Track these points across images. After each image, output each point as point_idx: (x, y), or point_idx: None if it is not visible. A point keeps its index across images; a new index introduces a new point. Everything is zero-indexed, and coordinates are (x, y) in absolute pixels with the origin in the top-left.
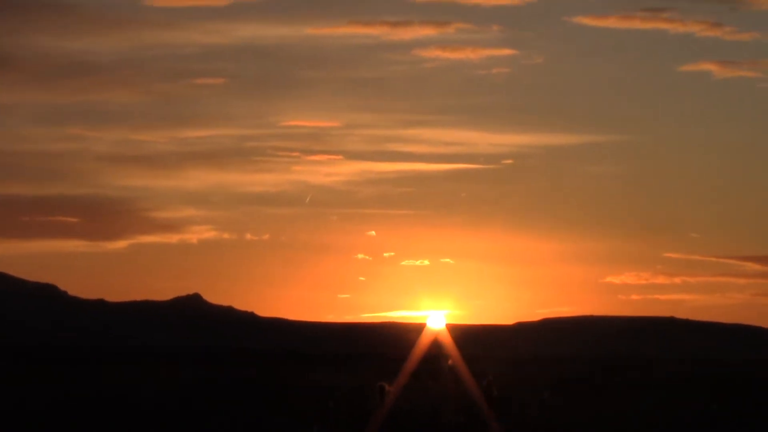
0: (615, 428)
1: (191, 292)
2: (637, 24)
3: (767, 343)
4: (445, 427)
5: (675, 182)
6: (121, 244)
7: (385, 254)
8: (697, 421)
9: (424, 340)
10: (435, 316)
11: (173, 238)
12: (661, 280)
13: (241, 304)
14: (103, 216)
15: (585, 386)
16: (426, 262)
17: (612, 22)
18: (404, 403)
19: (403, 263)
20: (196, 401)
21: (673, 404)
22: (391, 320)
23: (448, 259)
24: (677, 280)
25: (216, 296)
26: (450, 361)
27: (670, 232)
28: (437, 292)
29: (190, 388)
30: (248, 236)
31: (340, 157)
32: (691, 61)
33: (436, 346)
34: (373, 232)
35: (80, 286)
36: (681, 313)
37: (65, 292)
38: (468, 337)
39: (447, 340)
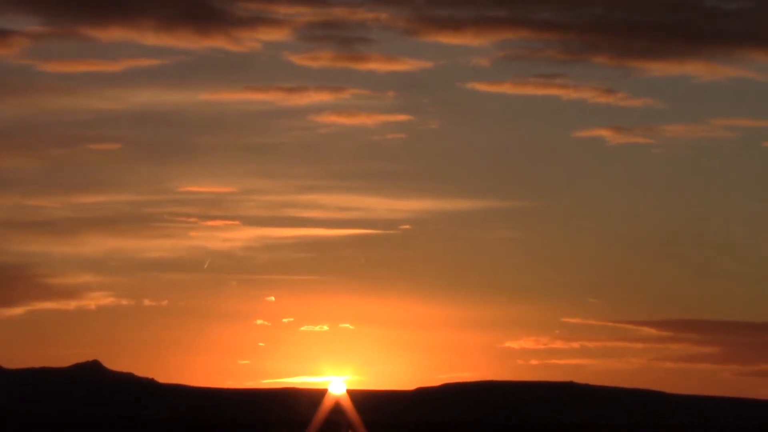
0: None
1: (90, 358)
2: (531, 90)
3: (665, 406)
4: None
5: (572, 247)
6: (17, 310)
7: (284, 320)
8: None
9: (326, 407)
10: (336, 381)
11: (71, 305)
12: (559, 344)
13: (142, 370)
14: None
15: None
16: (325, 328)
17: (506, 88)
18: None
19: (302, 328)
20: None
21: None
22: (292, 386)
23: (347, 325)
24: (575, 344)
25: (116, 363)
26: (349, 429)
27: (567, 297)
28: (337, 358)
29: None
30: (146, 302)
31: (238, 222)
32: (584, 126)
33: (337, 412)
34: (272, 298)
35: None
36: (580, 378)
37: None
38: (369, 402)
39: (348, 405)
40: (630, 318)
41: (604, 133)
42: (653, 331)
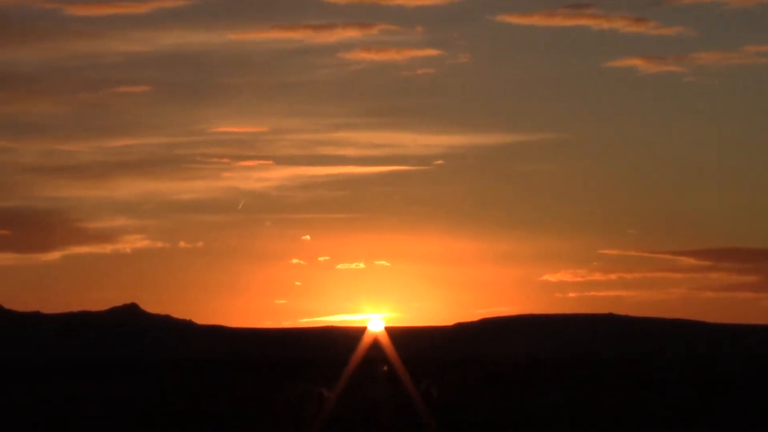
0: (555, 428)
1: (128, 301)
2: (561, 21)
3: (705, 336)
4: (381, 430)
5: (608, 179)
6: (53, 255)
7: (320, 258)
8: (637, 416)
9: (364, 345)
10: (374, 319)
11: (106, 248)
12: (597, 276)
13: (179, 312)
14: (34, 228)
15: (528, 385)
16: (361, 265)
17: (536, 20)
18: (343, 408)
19: (338, 267)
20: (139, 411)
21: (614, 400)
22: (330, 324)
23: (383, 262)
24: (613, 276)
25: (153, 305)
26: (386, 366)
27: (605, 229)
28: (375, 295)
29: (132, 398)
30: (182, 244)
31: (271, 162)
32: (616, 56)
33: (375, 349)
34: (308, 237)
35: (14, 299)
36: (619, 309)
37: (0, 305)
38: (408, 339)
39: (387, 343)
40: (669, 248)
41: (636, 62)
42: (692, 261)
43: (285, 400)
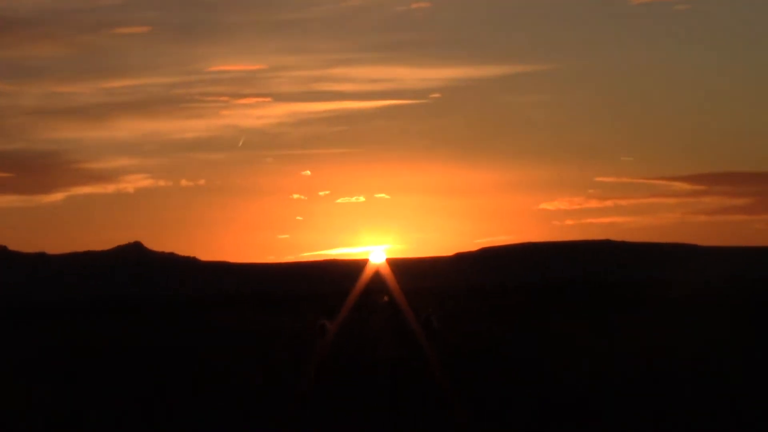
0: (558, 354)
1: (132, 240)
2: None
3: (700, 259)
4: (382, 361)
5: (602, 107)
6: (57, 196)
7: (320, 193)
8: (640, 340)
9: (365, 276)
10: (375, 251)
11: (109, 188)
12: (593, 203)
13: (183, 249)
14: (36, 170)
15: (528, 312)
16: (362, 199)
17: None
18: (345, 339)
19: (338, 201)
20: (146, 349)
21: (614, 324)
22: (332, 257)
23: (383, 195)
24: (609, 203)
25: (157, 243)
26: (386, 297)
27: (600, 157)
28: (375, 228)
29: (138, 335)
30: (184, 182)
31: (269, 99)
32: None
33: (377, 281)
34: (308, 172)
35: (20, 241)
36: (616, 235)
37: (5, 247)
38: (409, 270)
39: (388, 274)
40: (663, 174)
41: None
42: (686, 186)
43: (288, 333)
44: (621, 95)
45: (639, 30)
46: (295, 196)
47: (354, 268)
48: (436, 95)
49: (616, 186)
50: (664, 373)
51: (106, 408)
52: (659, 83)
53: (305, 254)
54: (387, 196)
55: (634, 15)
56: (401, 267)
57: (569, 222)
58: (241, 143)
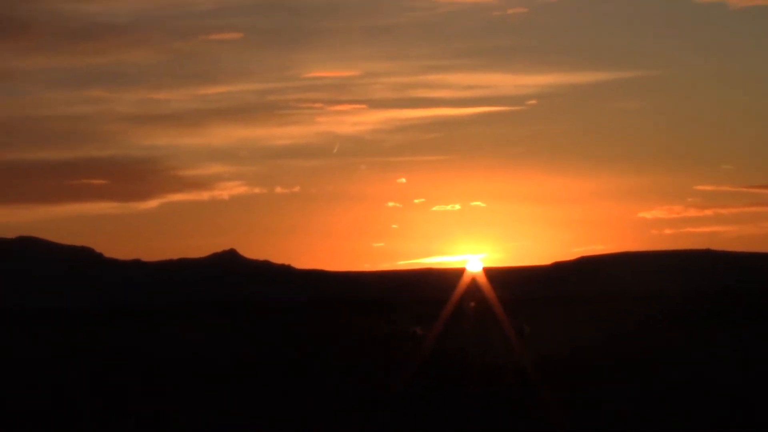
0: (652, 362)
1: (227, 247)
2: None
3: None
4: (474, 367)
5: (700, 114)
6: (152, 203)
7: (415, 201)
8: (737, 352)
9: (462, 285)
10: (472, 260)
11: (204, 195)
12: (693, 213)
13: (278, 257)
14: (131, 176)
15: (627, 322)
16: (457, 207)
17: None
18: (439, 345)
19: (434, 209)
20: (243, 353)
21: (717, 335)
22: (427, 266)
23: (479, 203)
24: (709, 212)
25: (252, 251)
26: (472, 302)
27: (699, 165)
28: (471, 236)
29: (237, 340)
30: (278, 189)
31: (364, 106)
32: None
33: (473, 290)
34: (403, 179)
35: (115, 248)
36: (716, 245)
37: (101, 254)
38: (506, 279)
39: (484, 283)
40: (764, 182)
41: None
42: None
43: (381, 339)
44: (720, 102)
45: (740, 35)
46: (391, 203)
47: (450, 276)
48: (533, 102)
49: (717, 194)
50: None
51: (203, 409)
52: (760, 90)
53: (400, 262)
54: (483, 204)
55: (734, 20)
56: (498, 276)
57: (668, 231)
58: (336, 150)
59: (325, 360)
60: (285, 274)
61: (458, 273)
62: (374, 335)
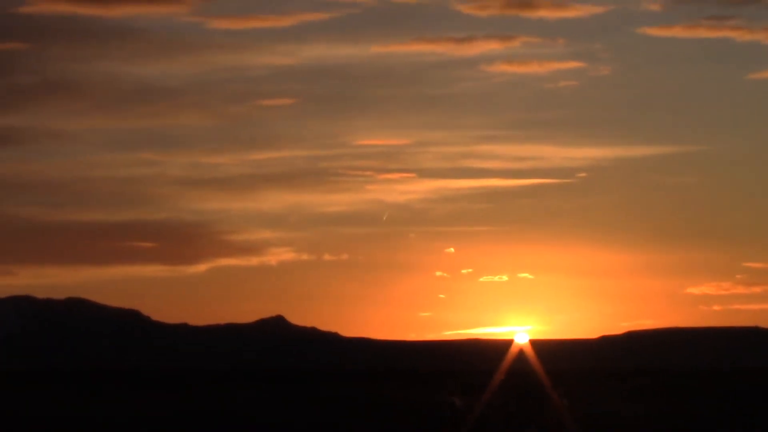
0: None
1: (275, 314)
2: (703, 33)
3: None
4: None
5: (750, 191)
6: (200, 267)
7: (463, 271)
8: None
9: (510, 357)
10: (519, 332)
11: (252, 261)
12: (741, 290)
13: (325, 324)
14: (181, 240)
15: (672, 398)
16: (504, 278)
17: (677, 32)
18: (481, 417)
19: (481, 279)
20: (289, 421)
21: (763, 415)
22: (474, 337)
23: (526, 274)
24: (758, 289)
25: (299, 317)
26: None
27: (749, 242)
28: (518, 308)
29: (282, 407)
30: (327, 256)
31: (414, 174)
32: (759, 68)
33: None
34: (451, 249)
35: (163, 311)
36: (764, 323)
37: (148, 317)
38: (553, 351)
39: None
40: None
41: None
42: None
43: (421, 409)
44: None
45: None
46: (438, 273)
47: (497, 348)
48: (582, 174)
49: (766, 271)
50: None
51: None
52: None
53: (447, 332)
54: (530, 276)
55: None
56: (545, 348)
57: (716, 307)
58: (385, 218)
59: (362, 429)
60: (332, 340)
61: (504, 344)
62: (414, 405)
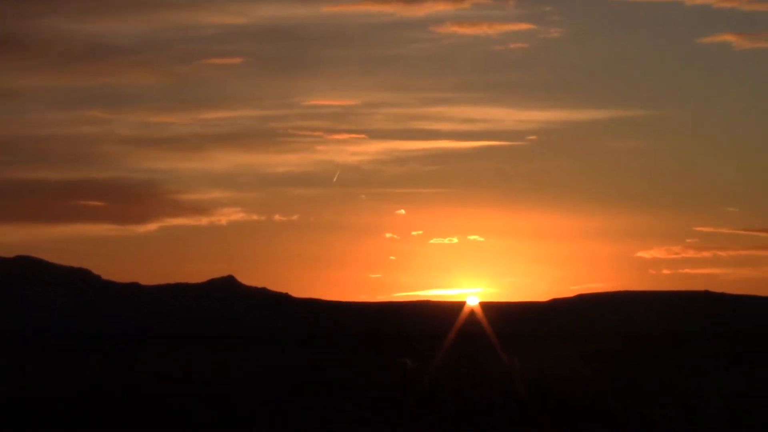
0: (649, 402)
1: (225, 274)
2: None
3: None
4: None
5: (701, 156)
6: (150, 227)
7: (413, 233)
8: (731, 395)
9: (461, 319)
10: (469, 294)
11: (202, 221)
12: (691, 254)
13: (275, 285)
14: (130, 199)
15: (623, 361)
16: (455, 240)
17: None
18: (433, 378)
19: (432, 241)
20: (233, 382)
21: (714, 378)
22: (425, 298)
23: (477, 237)
24: (708, 253)
25: (249, 278)
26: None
27: (699, 207)
28: (468, 270)
29: (229, 368)
30: (277, 217)
31: (364, 136)
32: (709, 33)
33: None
34: (402, 211)
35: (113, 270)
36: (713, 287)
37: (99, 276)
38: (503, 314)
39: (482, 318)
40: (764, 226)
41: (729, 38)
42: None
43: (373, 372)
44: (722, 144)
45: (742, 77)
46: (389, 235)
47: (447, 310)
48: (533, 137)
49: (716, 236)
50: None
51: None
52: (762, 133)
53: (397, 294)
54: (481, 239)
55: (738, 61)
56: (496, 311)
57: (666, 271)
58: (335, 179)
59: (312, 392)
60: (283, 301)
61: (454, 306)
62: (366, 367)
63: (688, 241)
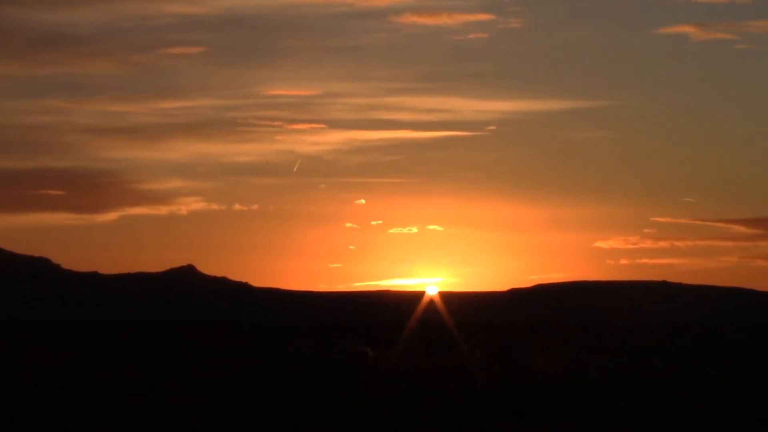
0: (607, 392)
1: (185, 263)
2: None
3: (757, 304)
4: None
5: (659, 146)
6: (110, 216)
7: (373, 222)
8: (688, 385)
9: (420, 308)
10: (429, 284)
11: (162, 210)
12: (649, 244)
13: (235, 274)
14: (90, 188)
15: (582, 351)
16: (414, 230)
17: None
18: (393, 368)
19: (391, 231)
20: (194, 371)
21: (666, 367)
22: (384, 288)
23: (436, 226)
24: (665, 244)
25: (209, 267)
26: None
27: (657, 197)
28: (428, 260)
29: (189, 358)
30: (237, 206)
31: (324, 126)
32: (667, 23)
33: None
34: (362, 201)
35: (73, 259)
36: (671, 277)
37: (59, 266)
38: (462, 304)
39: (441, 307)
40: (720, 216)
41: (687, 29)
42: (744, 229)
43: (333, 361)
44: (680, 135)
45: (699, 68)
46: (348, 224)
47: (407, 299)
48: (492, 128)
49: (673, 227)
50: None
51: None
52: (719, 124)
53: (357, 284)
54: (440, 228)
55: (695, 52)
56: (455, 300)
57: (624, 261)
58: (295, 169)
59: (270, 383)
60: (242, 290)
61: (413, 296)
62: (326, 357)
63: (646, 231)
